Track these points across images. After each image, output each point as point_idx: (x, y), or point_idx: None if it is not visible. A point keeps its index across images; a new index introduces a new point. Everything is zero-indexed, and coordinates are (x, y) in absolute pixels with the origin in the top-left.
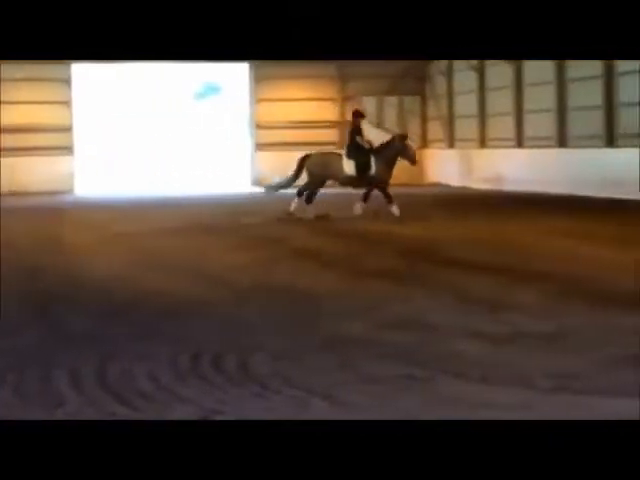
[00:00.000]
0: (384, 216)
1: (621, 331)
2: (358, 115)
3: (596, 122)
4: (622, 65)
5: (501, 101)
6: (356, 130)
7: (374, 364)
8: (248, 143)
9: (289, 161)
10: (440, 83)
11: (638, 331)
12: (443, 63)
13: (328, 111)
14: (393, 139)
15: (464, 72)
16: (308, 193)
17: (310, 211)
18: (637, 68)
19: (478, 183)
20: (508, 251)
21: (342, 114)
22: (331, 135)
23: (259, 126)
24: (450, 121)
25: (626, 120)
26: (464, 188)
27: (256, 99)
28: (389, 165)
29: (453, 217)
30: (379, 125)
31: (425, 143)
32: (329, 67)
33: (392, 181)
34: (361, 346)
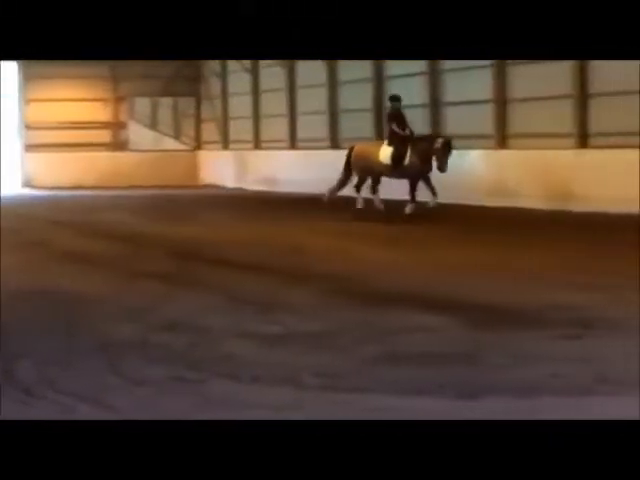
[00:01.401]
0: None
1: (381, 329)
2: (394, 99)
3: (367, 124)
4: (391, 69)
5: (275, 103)
6: (391, 116)
7: (144, 367)
8: (17, 144)
9: (60, 162)
10: (214, 84)
11: (396, 329)
12: (217, 64)
13: (100, 112)
14: (433, 136)
15: (238, 73)
16: (371, 185)
17: (379, 203)
18: (405, 72)
19: (253, 184)
20: (282, 252)
21: (115, 115)
22: (103, 136)
23: (29, 127)
24: (225, 122)
25: None
26: (239, 189)
27: (25, 99)
28: (423, 159)
29: (227, 218)
30: (153, 127)
31: (200, 144)
32: (101, 67)
33: (165, 182)
34: (131, 349)
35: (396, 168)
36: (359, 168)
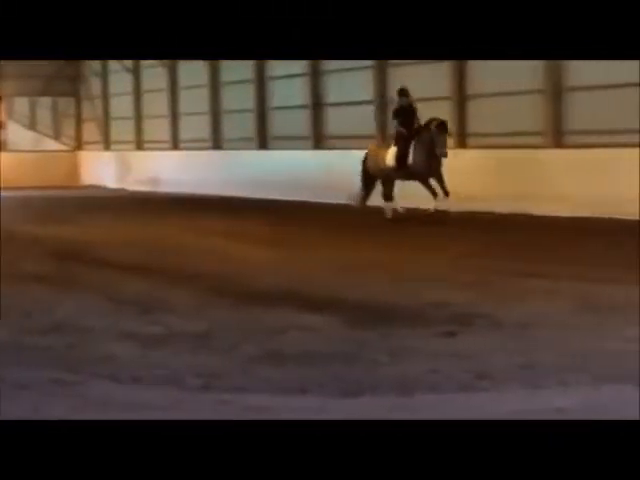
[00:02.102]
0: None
1: (261, 329)
2: (401, 94)
3: (249, 125)
4: (272, 69)
5: (157, 103)
6: (396, 112)
7: (22, 370)
8: None
9: None
10: (95, 84)
11: (277, 328)
12: (97, 64)
13: None
14: (430, 122)
15: (119, 73)
16: (383, 191)
17: (392, 211)
18: (287, 73)
19: (135, 185)
20: (162, 252)
21: None
22: None
23: None
24: (106, 123)
25: (277, 123)
26: (121, 190)
27: None
28: (428, 154)
29: (108, 219)
30: (32, 127)
31: (80, 145)
32: None
33: (45, 183)
34: (8, 352)
35: (400, 169)
36: (369, 171)
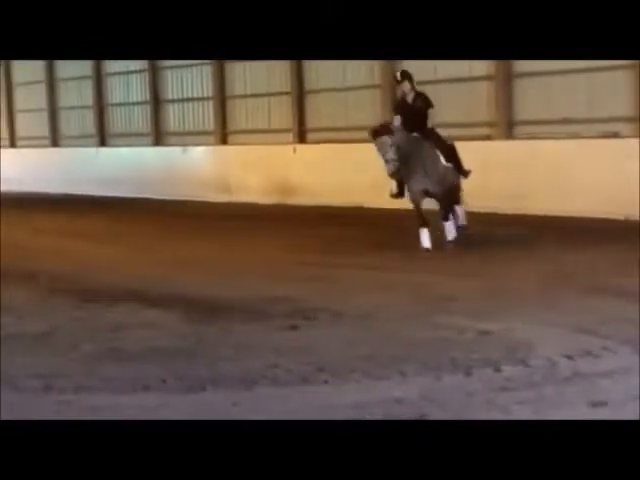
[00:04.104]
0: None
1: (101, 327)
2: (403, 77)
3: (88, 122)
4: (111, 66)
5: None
6: (397, 106)
7: None
8: None
9: None
10: None
11: (116, 326)
12: None
13: None
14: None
15: None
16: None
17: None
18: (126, 69)
19: None
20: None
21: None
22: None
23: None
24: None
25: (117, 120)
26: None
27: None
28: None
29: None
30: None
31: None
32: None
33: None
34: None
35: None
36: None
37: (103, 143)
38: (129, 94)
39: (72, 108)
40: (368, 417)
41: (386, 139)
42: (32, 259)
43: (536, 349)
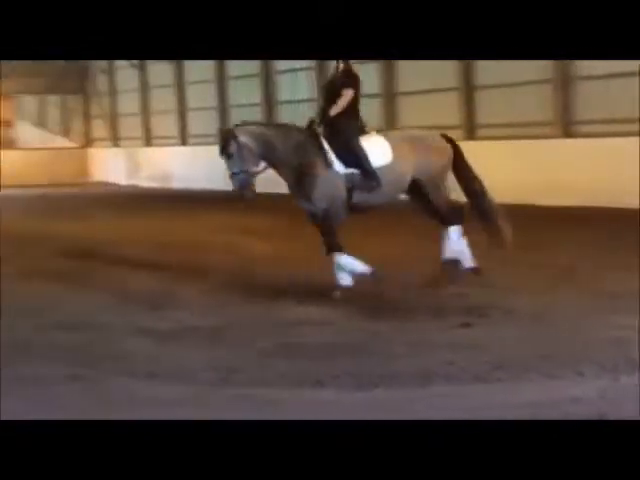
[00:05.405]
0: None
1: (274, 322)
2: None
3: (255, 119)
4: (280, 64)
5: (164, 99)
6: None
7: (40, 366)
8: None
9: None
10: (102, 81)
11: (288, 322)
12: (103, 61)
13: None
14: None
15: (126, 70)
16: None
17: None
18: (289, 67)
19: (146, 181)
20: (173, 248)
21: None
22: None
23: None
24: (114, 119)
25: (282, 118)
26: (133, 187)
27: None
28: None
29: (119, 215)
30: (41, 125)
31: (89, 142)
32: None
33: (55, 180)
34: (26, 348)
35: None
36: None
37: None
38: (295, 91)
39: (241, 106)
40: None
41: None
42: (204, 256)
43: None
